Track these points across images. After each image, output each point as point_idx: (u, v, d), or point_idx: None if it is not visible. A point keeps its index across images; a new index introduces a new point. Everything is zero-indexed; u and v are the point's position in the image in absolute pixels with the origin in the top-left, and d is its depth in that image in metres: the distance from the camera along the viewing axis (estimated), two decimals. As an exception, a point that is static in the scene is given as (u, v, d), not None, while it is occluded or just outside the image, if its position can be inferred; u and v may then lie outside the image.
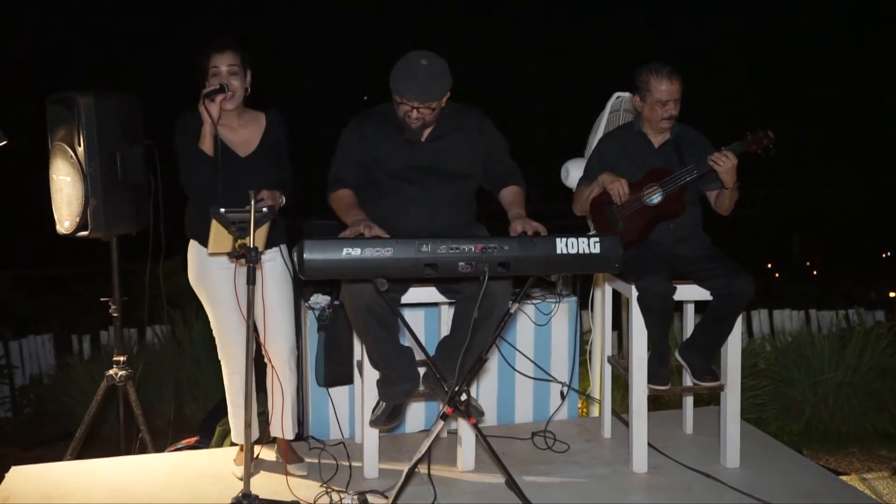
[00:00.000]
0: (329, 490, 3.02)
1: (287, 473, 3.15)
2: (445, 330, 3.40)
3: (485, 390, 3.84)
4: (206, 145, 2.92)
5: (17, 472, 3.22)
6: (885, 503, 3.44)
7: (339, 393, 3.75)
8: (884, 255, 12.30)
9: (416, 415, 3.81)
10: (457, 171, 3.11)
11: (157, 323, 5.66)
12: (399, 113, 3.02)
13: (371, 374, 3.12)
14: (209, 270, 3.06)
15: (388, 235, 2.75)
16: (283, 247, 3.18)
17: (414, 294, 3.11)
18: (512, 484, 2.71)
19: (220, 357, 3.21)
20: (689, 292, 3.22)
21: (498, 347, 3.84)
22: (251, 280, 2.67)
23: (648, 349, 3.24)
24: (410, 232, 2.83)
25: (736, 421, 3.26)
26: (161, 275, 3.49)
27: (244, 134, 3.10)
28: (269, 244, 3.06)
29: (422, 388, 3.14)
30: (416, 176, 3.08)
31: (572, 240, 2.59)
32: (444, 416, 2.70)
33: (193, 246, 3.10)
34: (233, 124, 3.08)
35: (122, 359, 3.51)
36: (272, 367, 3.16)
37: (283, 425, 3.21)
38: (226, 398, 3.31)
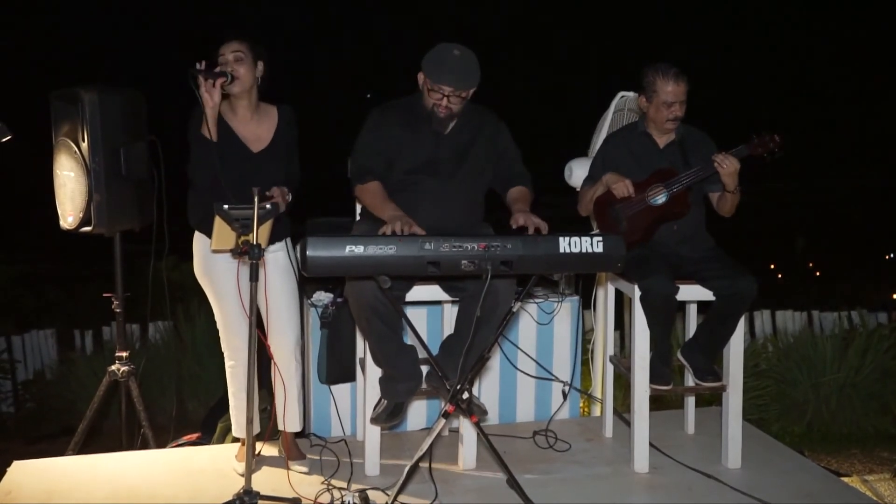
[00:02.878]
0: (330, 487, 3.02)
1: (289, 469, 3.15)
2: (448, 328, 3.40)
3: (487, 389, 3.84)
4: (211, 130, 2.90)
5: (19, 467, 3.23)
6: (887, 505, 3.44)
7: (341, 390, 3.75)
8: (886, 257, 12.28)
9: (418, 413, 3.82)
10: (473, 169, 3.14)
11: (160, 319, 5.67)
12: (428, 103, 3.05)
13: (373, 372, 3.12)
14: (214, 262, 3.06)
15: (423, 232, 2.75)
16: (288, 240, 3.18)
17: (417, 292, 3.11)
18: (513, 483, 2.71)
19: (223, 349, 3.22)
20: (692, 292, 3.21)
21: (500, 346, 3.84)
22: (254, 277, 2.68)
23: (650, 349, 3.24)
24: (422, 228, 2.83)
25: (737, 421, 3.26)
26: (164, 271, 3.49)
27: (257, 129, 3.09)
28: (274, 238, 3.07)
29: (424, 386, 3.14)
30: (434, 170, 3.09)
31: (575, 239, 2.59)
32: (445, 415, 2.71)
33: (199, 238, 3.11)
34: (246, 118, 3.08)
35: (124, 354, 3.51)
36: (275, 363, 3.17)
37: (285, 418, 3.22)
38: (227, 394, 3.32)
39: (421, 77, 3.06)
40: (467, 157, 3.13)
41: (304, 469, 3.19)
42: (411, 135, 3.11)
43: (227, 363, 3.23)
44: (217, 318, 3.18)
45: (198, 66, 2.86)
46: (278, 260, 3.14)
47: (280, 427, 3.25)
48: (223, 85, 2.92)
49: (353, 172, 3.14)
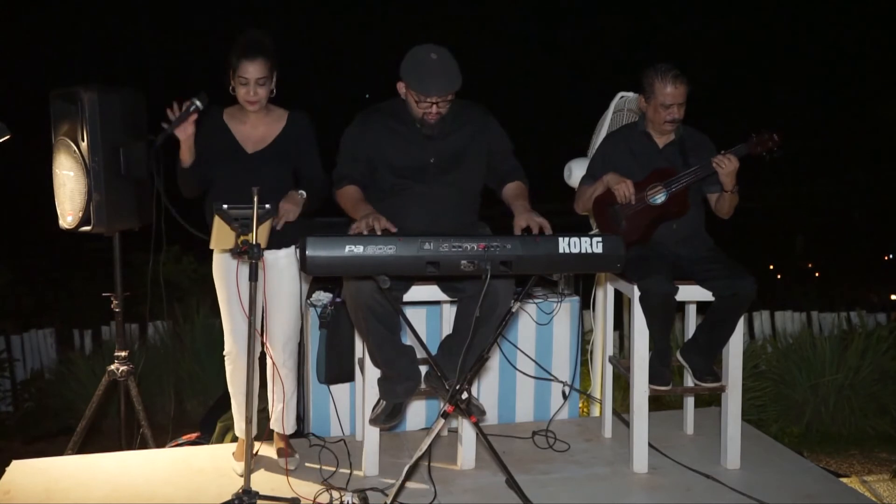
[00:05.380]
0: (329, 487, 3.02)
1: (287, 470, 3.15)
2: (447, 328, 3.40)
3: (486, 389, 3.84)
4: (184, 158, 2.93)
5: (18, 467, 3.23)
6: (885, 506, 3.44)
7: (340, 390, 3.75)
8: (886, 258, 12.28)
9: (417, 413, 3.82)
10: (462, 167, 3.12)
11: (159, 318, 5.67)
12: (417, 113, 3.02)
13: (372, 372, 3.12)
14: (229, 264, 3.06)
15: (395, 228, 2.77)
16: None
17: (416, 292, 3.11)
18: (512, 483, 2.71)
19: (227, 351, 3.20)
20: (691, 293, 3.21)
21: (499, 346, 3.84)
22: (254, 276, 2.68)
23: (650, 349, 3.24)
24: (414, 232, 2.83)
25: (736, 422, 3.26)
26: (162, 271, 3.49)
27: (259, 130, 3.09)
28: (287, 241, 3.07)
29: (423, 386, 3.14)
30: (422, 174, 3.08)
31: (575, 239, 2.59)
32: (445, 415, 2.70)
33: None
34: (248, 119, 3.08)
35: (123, 354, 3.52)
36: (273, 363, 3.17)
37: (272, 418, 3.25)
38: (228, 394, 3.32)
39: (402, 87, 3.03)
40: (456, 158, 3.11)
41: (292, 467, 3.18)
42: (397, 139, 3.09)
43: (230, 366, 3.22)
44: (224, 320, 3.18)
45: (164, 125, 2.85)
46: (288, 264, 3.13)
47: (271, 426, 3.26)
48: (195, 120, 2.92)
49: (333, 178, 3.14)
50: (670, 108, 3.26)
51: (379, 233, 2.77)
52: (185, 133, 2.88)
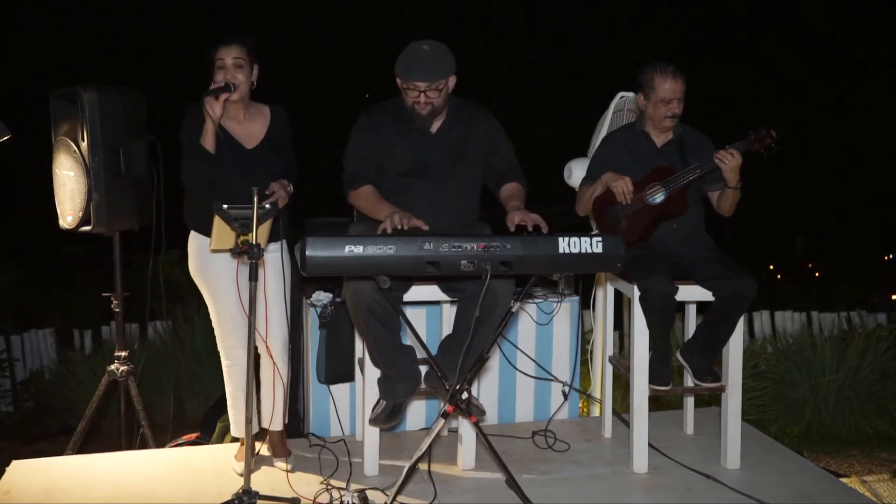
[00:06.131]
0: (329, 487, 3.02)
1: (286, 468, 3.15)
2: (447, 328, 3.40)
3: (486, 389, 3.84)
4: (209, 142, 2.93)
5: (18, 466, 3.23)
6: (885, 506, 3.44)
7: (340, 390, 3.75)
8: (886, 258, 12.29)
9: (417, 413, 3.82)
10: (462, 166, 3.13)
11: (159, 318, 5.67)
12: (408, 103, 3.04)
13: (372, 372, 3.12)
14: (210, 262, 3.06)
15: (426, 226, 2.79)
16: (284, 242, 3.18)
17: (416, 292, 3.11)
18: (512, 483, 2.71)
19: (219, 349, 3.21)
20: (691, 293, 3.21)
21: (499, 346, 3.84)
22: (254, 276, 2.68)
23: (650, 349, 3.24)
24: (414, 231, 2.84)
25: (736, 422, 3.26)
26: (161, 271, 3.49)
27: (250, 127, 3.11)
28: (272, 239, 3.07)
29: (423, 386, 3.14)
30: (424, 171, 3.09)
31: (575, 239, 2.59)
32: (445, 415, 2.70)
33: (194, 237, 3.11)
34: (239, 117, 3.10)
35: (123, 354, 3.52)
36: (272, 361, 3.17)
37: (272, 417, 3.24)
38: (226, 393, 3.32)
39: (398, 79, 3.06)
40: (459, 156, 3.13)
41: (288, 466, 3.17)
42: (400, 137, 3.11)
43: (224, 363, 3.22)
44: (213, 317, 3.18)
45: (211, 87, 2.91)
46: (272, 261, 3.14)
47: (265, 425, 3.26)
48: (226, 100, 2.94)
49: (344, 180, 3.15)
50: (670, 103, 3.26)
51: (407, 228, 2.78)
52: (215, 112, 2.90)
